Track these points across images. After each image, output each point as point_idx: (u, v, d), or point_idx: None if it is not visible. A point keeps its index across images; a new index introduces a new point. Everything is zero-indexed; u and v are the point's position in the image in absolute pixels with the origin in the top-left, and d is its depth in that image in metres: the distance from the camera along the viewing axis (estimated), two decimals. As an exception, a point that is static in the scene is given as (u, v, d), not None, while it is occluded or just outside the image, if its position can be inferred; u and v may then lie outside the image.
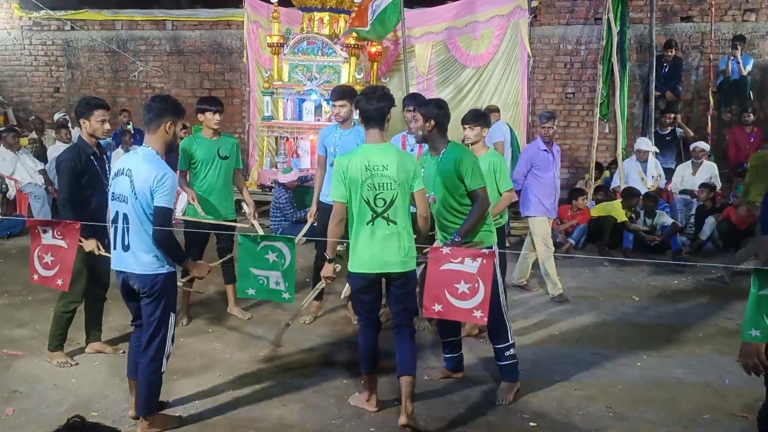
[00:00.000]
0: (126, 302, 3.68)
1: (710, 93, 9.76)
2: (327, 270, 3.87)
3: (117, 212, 3.48)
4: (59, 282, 3.75)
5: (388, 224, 3.59)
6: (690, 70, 10.10)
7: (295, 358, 4.68)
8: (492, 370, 4.49)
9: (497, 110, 8.71)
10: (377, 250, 3.60)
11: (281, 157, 9.03)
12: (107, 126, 4.33)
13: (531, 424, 3.84)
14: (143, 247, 3.43)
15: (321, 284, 3.84)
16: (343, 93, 5.08)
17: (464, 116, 4.94)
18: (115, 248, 3.52)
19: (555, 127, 6.15)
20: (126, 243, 3.46)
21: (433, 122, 3.93)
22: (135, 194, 3.39)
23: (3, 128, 9.49)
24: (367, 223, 3.58)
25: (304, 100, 9.02)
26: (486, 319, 3.20)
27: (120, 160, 3.58)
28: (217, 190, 5.14)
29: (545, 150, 6.04)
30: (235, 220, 5.37)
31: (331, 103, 5.54)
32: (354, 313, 4.01)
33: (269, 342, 4.90)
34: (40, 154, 9.66)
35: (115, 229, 3.49)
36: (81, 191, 4.26)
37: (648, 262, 7.50)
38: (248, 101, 10.79)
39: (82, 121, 4.29)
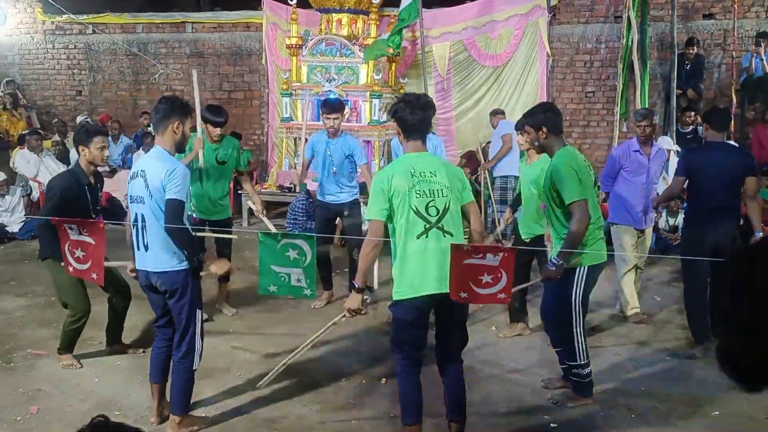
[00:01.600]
0: (151, 302, 3.70)
1: (733, 91, 9.61)
2: (355, 301, 3.33)
3: (135, 214, 3.53)
4: (94, 276, 3.81)
5: (444, 236, 3.16)
6: (712, 68, 9.95)
7: (314, 358, 4.69)
8: (517, 369, 4.48)
9: (502, 113, 8.74)
10: (433, 266, 3.13)
11: (300, 158, 9.04)
12: (107, 153, 4.38)
13: (552, 425, 3.81)
14: (161, 245, 3.47)
15: (342, 316, 3.46)
16: (334, 107, 5.61)
17: (517, 123, 4.99)
18: (138, 249, 3.56)
19: (653, 126, 5.49)
20: (145, 243, 3.50)
21: (545, 129, 3.78)
22: (150, 193, 3.43)
23: (27, 131, 9.63)
24: (419, 237, 3.14)
25: (322, 101, 9.02)
26: (509, 299, 3.18)
27: (136, 163, 3.66)
28: (209, 193, 5.28)
29: (638, 151, 5.37)
30: (230, 219, 5.56)
31: (319, 112, 5.94)
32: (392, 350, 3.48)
33: (289, 341, 4.91)
34: (63, 157, 9.78)
35: (136, 230, 3.54)
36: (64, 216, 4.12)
37: (670, 263, 7.41)
38: (267, 103, 10.83)
39: (81, 148, 4.29)
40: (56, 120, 11.06)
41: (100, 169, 4.62)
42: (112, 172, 9.46)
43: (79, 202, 4.29)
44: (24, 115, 11.16)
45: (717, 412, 3.97)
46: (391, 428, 3.73)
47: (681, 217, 7.76)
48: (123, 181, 9.32)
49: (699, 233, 4.77)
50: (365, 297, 3.57)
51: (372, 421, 3.82)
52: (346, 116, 8.86)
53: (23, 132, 9.83)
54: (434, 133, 6.26)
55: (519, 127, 4.82)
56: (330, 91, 8.90)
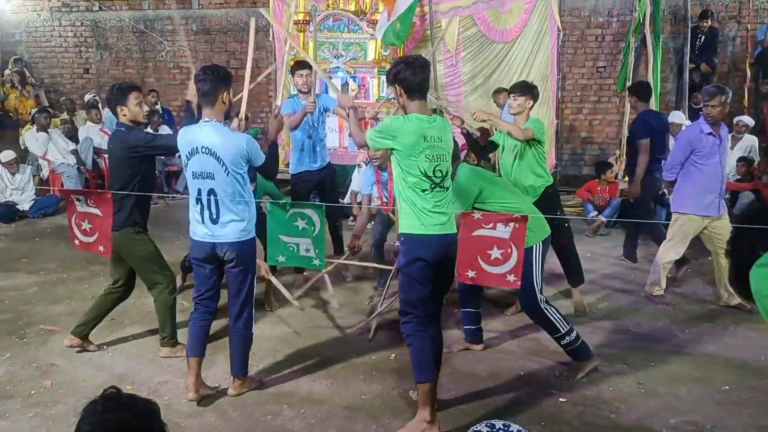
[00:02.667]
0: (200, 274, 3.72)
1: (747, 64, 9.47)
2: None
3: (200, 189, 3.54)
4: (101, 248, 3.79)
5: (442, 191, 3.35)
6: (726, 41, 9.80)
7: (323, 334, 4.71)
8: (521, 345, 4.48)
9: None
10: (438, 215, 3.31)
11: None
12: (146, 108, 4.17)
13: (561, 399, 3.81)
14: (235, 217, 3.53)
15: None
16: (306, 63, 5.49)
17: (513, 86, 5.03)
18: (202, 222, 3.58)
19: (723, 106, 4.98)
20: (215, 216, 3.54)
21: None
22: (226, 170, 3.47)
23: (35, 110, 9.63)
24: (424, 191, 3.32)
25: (330, 78, 8.96)
26: (519, 283, 3.14)
27: (186, 134, 3.56)
28: None
29: (710, 133, 5.04)
30: None
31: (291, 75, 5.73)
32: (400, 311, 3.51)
33: (300, 318, 4.94)
34: (72, 135, 9.79)
35: (201, 205, 3.56)
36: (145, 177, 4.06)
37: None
38: (275, 80, 10.77)
39: (119, 108, 4.02)
40: (64, 98, 11.06)
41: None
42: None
43: (149, 163, 4.14)
44: (32, 93, 11.16)
45: (727, 387, 3.96)
46: (401, 403, 3.75)
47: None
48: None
49: (651, 182, 6.12)
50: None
51: (382, 396, 3.84)
52: (354, 93, 8.85)
53: (32, 110, 9.83)
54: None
55: (510, 89, 4.98)
56: (338, 67, 8.84)
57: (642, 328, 4.86)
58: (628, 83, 9.16)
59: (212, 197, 3.51)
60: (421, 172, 3.30)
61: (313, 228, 3.16)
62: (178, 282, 5.03)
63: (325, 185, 5.72)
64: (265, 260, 4.16)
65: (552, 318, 3.94)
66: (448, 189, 3.40)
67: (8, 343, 4.52)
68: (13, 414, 3.61)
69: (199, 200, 3.56)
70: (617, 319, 5.03)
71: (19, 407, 3.68)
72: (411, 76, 3.34)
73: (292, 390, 3.90)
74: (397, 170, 3.37)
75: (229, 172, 3.48)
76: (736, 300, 5.18)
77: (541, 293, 3.93)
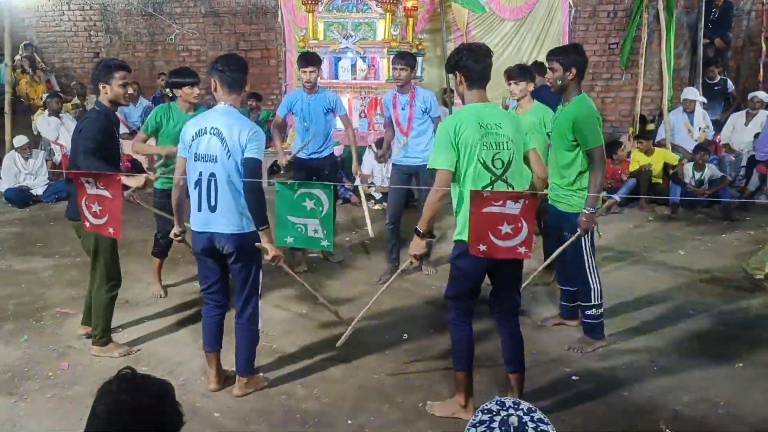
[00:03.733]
0: (202, 267, 3.62)
1: (762, 39, 9.30)
2: (417, 246, 3.34)
3: (201, 173, 3.41)
4: (111, 230, 3.66)
5: (507, 188, 3.19)
6: (741, 15, 9.61)
7: (335, 315, 4.73)
8: (534, 323, 4.49)
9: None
10: None
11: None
12: (130, 90, 3.98)
13: (574, 377, 3.82)
14: (233, 206, 3.39)
15: (408, 263, 3.47)
16: (311, 60, 5.45)
17: (509, 71, 4.91)
18: (199, 210, 3.44)
19: None
20: (213, 203, 3.40)
21: (575, 70, 3.92)
22: (228, 152, 3.34)
23: (47, 94, 9.66)
24: (484, 188, 3.15)
25: (339, 59, 8.92)
26: (530, 254, 3.12)
27: (197, 120, 3.53)
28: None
29: None
30: None
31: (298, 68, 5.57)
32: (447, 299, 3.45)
33: (312, 300, 4.96)
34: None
35: (199, 190, 3.43)
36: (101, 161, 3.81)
37: (696, 217, 7.32)
38: (284, 61, 10.72)
39: (101, 86, 3.86)
40: (75, 82, 11.07)
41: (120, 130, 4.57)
42: (132, 133, 9.49)
43: (113, 144, 3.98)
44: (43, 78, 11.18)
45: (741, 364, 3.95)
46: (414, 383, 3.76)
47: (707, 171, 7.63)
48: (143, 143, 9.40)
49: None
50: (430, 240, 3.59)
51: (395, 376, 3.86)
52: (364, 73, 8.81)
53: (43, 95, 9.87)
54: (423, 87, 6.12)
55: (509, 76, 4.86)
56: (347, 48, 8.78)
57: (655, 305, 4.84)
58: (641, 60, 9.06)
59: (212, 181, 3.38)
60: (480, 162, 3.14)
61: (321, 208, 3.10)
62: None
63: (321, 173, 5.57)
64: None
65: (592, 284, 4.03)
66: (512, 187, 3.21)
67: (25, 325, 4.58)
68: (32, 395, 3.67)
69: (198, 184, 3.42)
70: (630, 296, 5.02)
71: (37, 388, 3.74)
72: (473, 64, 3.22)
73: (305, 370, 3.93)
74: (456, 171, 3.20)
75: (230, 156, 3.34)
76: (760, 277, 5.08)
77: (593, 257, 4.05)
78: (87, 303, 4.29)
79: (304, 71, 5.42)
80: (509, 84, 4.86)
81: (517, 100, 4.93)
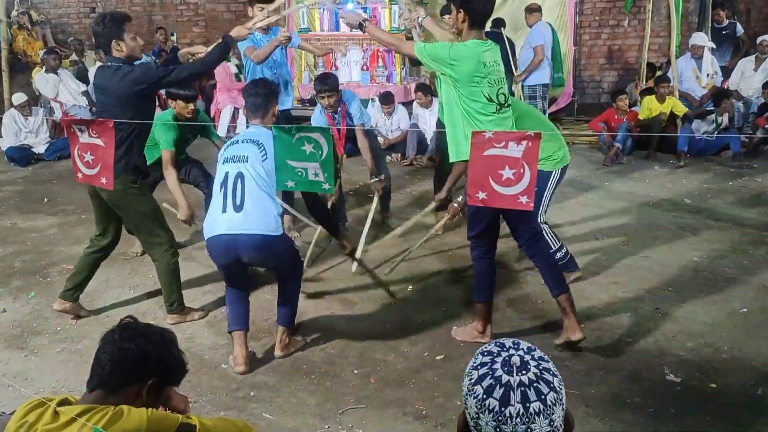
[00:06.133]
0: (227, 275, 3.51)
1: (774, -19, 9.06)
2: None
3: (227, 173, 3.32)
4: (103, 180, 3.50)
5: (507, 109, 3.43)
6: (752, -44, 9.35)
7: (341, 269, 4.74)
8: (536, 275, 4.49)
9: (539, 9, 8.19)
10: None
11: (320, 70, 8.86)
12: (141, 41, 3.76)
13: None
14: (261, 207, 3.28)
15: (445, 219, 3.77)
16: (331, 85, 4.99)
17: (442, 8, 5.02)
18: (224, 211, 3.29)
19: None
20: (238, 203, 3.27)
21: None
22: (265, 154, 3.30)
23: (43, 51, 9.53)
24: (489, 115, 3.34)
25: (340, 10, 8.73)
26: (532, 205, 3.09)
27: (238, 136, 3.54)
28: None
29: None
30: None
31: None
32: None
33: (319, 255, 4.96)
34: (83, 76, 9.70)
35: (224, 191, 3.31)
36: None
37: (703, 165, 7.26)
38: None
39: (115, 42, 3.56)
40: (72, 38, 10.91)
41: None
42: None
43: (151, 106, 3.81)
44: (39, 33, 11.00)
45: (745, 309, 3.96)
46: (419, 332, 3.80)
47: (726, 116, 7.51)
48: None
49: None
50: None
51: (401, 326, 3.89)
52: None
53: (41, 51, 9.73)
54: None
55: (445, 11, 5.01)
56: (347, -1, 8.57)
57: (660, 253, 4.84)
58: (648, 5, 8.84)
59: (239, 180, 3.28)
60: (486, 98, 3.33)
61: (320, 152, 3.03)
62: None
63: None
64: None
65: (547, 236, 4.17)
66: (510, 106, 3.46)
67: (33, 282, 4.62)
68: (42, 349, 3.72)
69: (223, 185, 3.31)
70: (633, 245, 5.01)
71: (47, 343, 3.78)
72: (480, 5, 3.34)
73: (311, 323, 3.95)
74: (452, 98, 3.37)
75: (266, 159, 3.29)
76: None
77: (544, 215, 4.19)
78: (82, 274, 3.99)
79: (261, 7, 4.94)
80: (445, 18, 5.02)
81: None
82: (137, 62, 3.76)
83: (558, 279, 3.56)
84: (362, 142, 5.22)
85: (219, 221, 3.31)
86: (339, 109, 5.12)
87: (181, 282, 3.97)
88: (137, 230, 3.94)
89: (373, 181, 5.13)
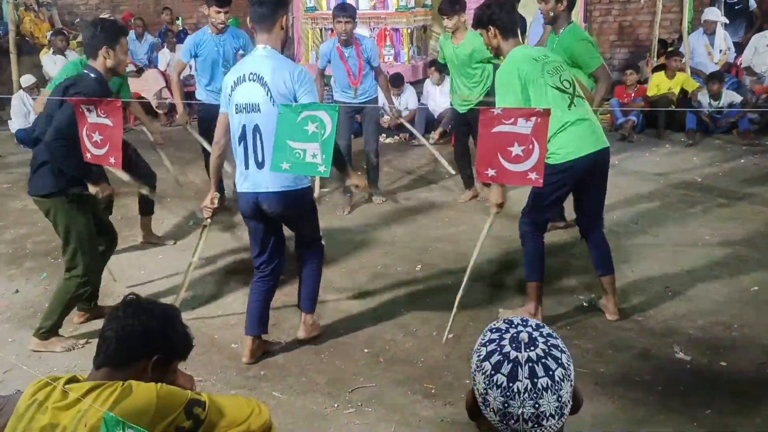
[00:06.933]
0: (252, 232, 3.34)
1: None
2: (497, 195, 3.44)
3: (244, 126, 3.10)
4: (111, 160, 3.43)
5: (582, 101, 3.43)
6: (767, -73, 9.13)
7: (350, 250, 4.75)
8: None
9: None
10: (592, 127, 3.41)
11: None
12: (129, 58, 3.71)
13: (585, 304, 3.83)
14: None
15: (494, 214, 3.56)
16: (348, 9, 5.36)
17: (441, 8, 5.16)
18: (246, 167, 3.15)
19: None
20: (260, 159, 3.09)
21: (565, 1, 4.07)
22: (272, 99, 3.04)
23: (50, 32, 9.51)
24: (569, 107, 3.33)
25: (336, 5, 8.62)
26: (541, 181, 3.07)
27: (235, 67, 3.27)
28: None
29: None
30: None
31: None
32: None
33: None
34: (90, 58, 9.68)
35: (244, 145, 3.13)
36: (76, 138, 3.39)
37: (713, 143, 7.18)
38: (292, -8, 10.43)
39: (105, 49, 3.35)
40: (78, 19, 10.87)
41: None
42: (139, 71, 9.38)
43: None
44: (46, 14, 10.97)
45: (756, 287, 3.94)
46: (429, 311, 3.80)
47: (725, 98, 7.41)
48: (151, 80, 9.30)
49: None
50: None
51: (409, 307, 3.90)
52: (373, 3, 8.54)
53: (48, 33, 9.71)
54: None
55: (447, 11, 5.04)
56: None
57: (669, 232, 4.81)
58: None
59: (257, 134, 3.08)
60: (552, 87, 3.31)
61: (323, 131, 2.95)
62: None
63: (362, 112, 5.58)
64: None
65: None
66: (583, 99, 3.45)
67: (44, 263, 4.65)
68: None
69: (242, 140, 3.12)
70: (643, 224, 4.98)
71: (59, 323, 3.82)
72: (506, 16, 3.39)
73: (320, 302, 3.95)
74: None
75: (275, 104, 3.03)
76: None
77: None
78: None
79: (339, 21, 5.20)
80: (443, 18, 5.12)
81: (452, 33, 5.18)
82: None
83: (606, 260, 3.63)
84: (381, 81, 5.54)
85: (244, 177, 3.19)
86: (352, 44, 5.29)
87: (65, 313, 3.61)
88: (64, 243, 3.59)
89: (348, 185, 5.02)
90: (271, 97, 3.05)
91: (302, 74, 3.08)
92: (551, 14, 4.10)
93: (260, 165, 3.10)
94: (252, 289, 3.40)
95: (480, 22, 3.42)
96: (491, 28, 3.37)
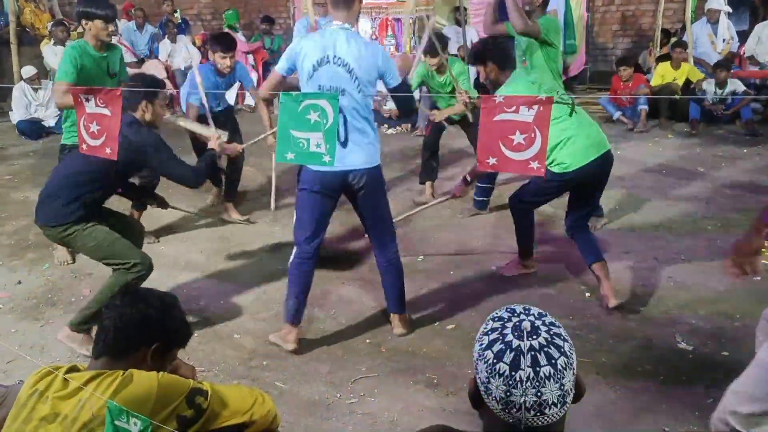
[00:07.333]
0: (309, 209, 3.30)
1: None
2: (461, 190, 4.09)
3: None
4: (108, 150, 3.35)
5: (582, 111, 3.69)
6: None
7: (352, 240, 4.75)
8: (543, 250, 4.48)
9: None
10: (595, 131, 3.65)
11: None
12: (112, 28, 3.95)
13: (587, 294, 3.83)
14: (366, 139, 3.20)
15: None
16: (228, 44, 5.02)
17: (424, 49, 5.22)
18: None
19: None
20: (343, 139, 3.15)
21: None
22: (358, 84, 3.09)
23: (51, 23, 9.48)
24: (570, 115, 3.57)
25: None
26: (543, 171, 3.06)
27: (315, 43, 3.13)
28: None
29: None
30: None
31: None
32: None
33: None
34: (91, 49, 9.66)
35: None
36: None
37: (716, 133, 7.16)
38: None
39: (144, 103, 3.50)
40: (80, 10, 10.82)
41: (127, 59, 4.41)
42: (140, 61, 9.35)
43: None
44: (46, 5, 10.94)
45: (758, 278, 3.92)
46: (429, 300, 3.81)
47: (729, 86, 7.39)
48: (152, 70, 9.25)
49: None
50: None
51: (410, 294, 3.90)
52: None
53: (48, 24, 9.69)
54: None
55: (430, 52, 5.14)
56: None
57: (674, 222, 4.80)
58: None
59: (342, 116, 3.10)
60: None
61: (325, 120, 2.94)
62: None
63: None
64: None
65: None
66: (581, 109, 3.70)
67: (46, 255, 4.65)
68: (57, 320, 3.76)
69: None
70: (648, 212, 4.97)
71: (61, 314, 3.82)
72: (502, 52, 3.69)
73: (322, 293, 3.97)
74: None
75: (361, 90, 3.10)
76: None
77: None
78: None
79: (223, 57, 4.93)
80: (427, 56, 5.23)
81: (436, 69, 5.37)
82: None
83: (594, 249, 3.73)
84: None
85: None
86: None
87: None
88: (100, 260, 3.50)
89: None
90: (359, 84, 3.11)
91: (386, 57, 3.17)
92: (526, 8, 4.35)
93: (344, 144, 3.17)
94: (294, 274, 3.35)
95: (477, 59, 3.72)
96: (489, 63, 3.66)
